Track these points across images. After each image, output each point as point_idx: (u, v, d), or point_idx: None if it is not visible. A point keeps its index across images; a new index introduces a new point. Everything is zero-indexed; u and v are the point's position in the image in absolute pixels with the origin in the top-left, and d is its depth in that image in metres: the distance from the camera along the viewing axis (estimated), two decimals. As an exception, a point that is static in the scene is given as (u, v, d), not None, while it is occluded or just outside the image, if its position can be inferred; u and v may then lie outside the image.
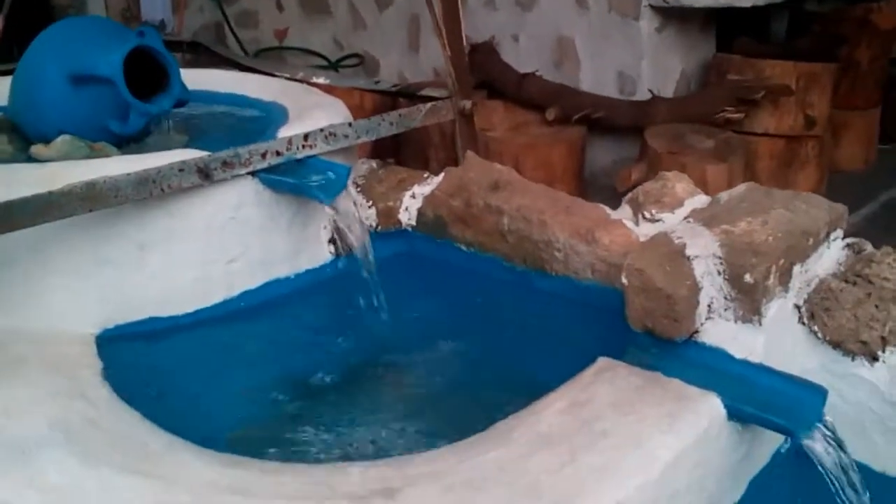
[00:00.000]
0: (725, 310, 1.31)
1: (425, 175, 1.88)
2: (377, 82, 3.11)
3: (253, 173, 1.55)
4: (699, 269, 1.30)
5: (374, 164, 1.97)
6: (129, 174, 1.37)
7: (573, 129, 3.35)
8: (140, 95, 1.62)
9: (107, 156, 1.57)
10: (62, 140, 1.59)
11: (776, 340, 1.32)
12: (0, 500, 1.02)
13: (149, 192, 1.39)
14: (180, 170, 1.43)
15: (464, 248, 1.74)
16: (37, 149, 1.60)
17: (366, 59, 4.27)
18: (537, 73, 3.48)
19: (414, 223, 1.82)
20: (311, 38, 4.44)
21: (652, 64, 3.36)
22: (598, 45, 3.45)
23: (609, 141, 3.45)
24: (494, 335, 1.58)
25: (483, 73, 3.51)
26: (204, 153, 1.49)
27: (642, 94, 3.33)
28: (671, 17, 3.34)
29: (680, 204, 1.53)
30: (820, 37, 3.56)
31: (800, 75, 3.14)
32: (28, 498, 1.01)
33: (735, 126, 3.14)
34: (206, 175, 1.46)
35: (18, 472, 1.05)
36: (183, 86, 1.71)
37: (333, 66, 4.26)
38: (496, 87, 3.54)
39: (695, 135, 3.04)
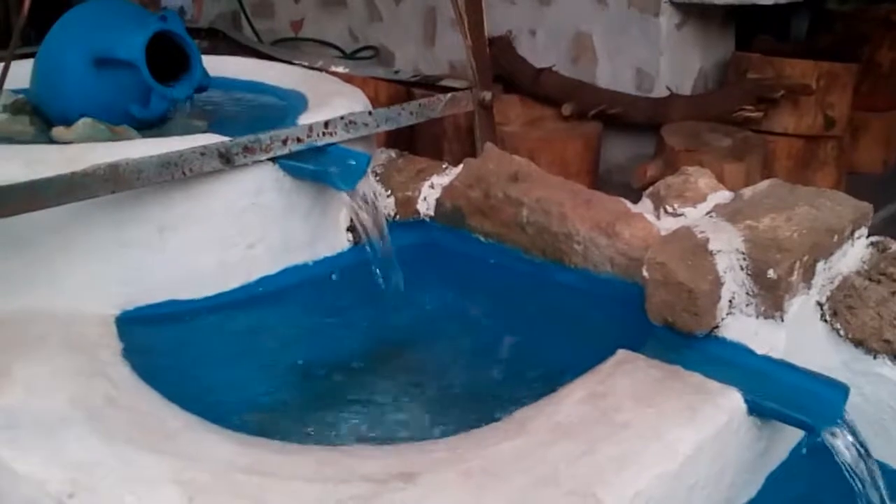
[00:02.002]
0: (747, 305, 1.30)
1: (444, 165, 1.88)
2: (397, 72, 3.11)
3: (273, 160, 1.55)
4: (722, 263, 1.29)
5: (392, 153, 1.97)
6: (151, 157, 1.37)
7: (589, 125, 3.34)
8: (161, 80, 1.62)
9: (128, 139, 1.57)
10: (83, 123, 1.59)
11: (798, 337, 1.32)
12: (23, 473, 1.03)
13: (171, 174, 1.39)
14: (202, 154, 1.43)
15: (482, 238, 1.74)
16: (58, 131, 1.61)
17: (381, 52, 4.27)
18: (554, 69, 3.47)
19: (432, 213, 1.81)
20: (327, 30, 4.44)
21: (670, 61, 3.35)
22: (617, 41, 3.44)
23: (625, 138, 3.44)
24: (512, 326, 1.58)
25: (499, 67, 3.51)
26: (225, 138, 1.49)
27: (660, 91, 3.31)
28: (691, 13, 3.33)
29: (702, 199, 1.53)
30: (841, 36, 3.53)
31: (820, 75, 3.13)
32: (51, 473, 1.02)
33: (753, 125, 3.13)
34: (227, 160, 1.46)
35: (41, 448, 1.06)
36: (204, 71, 1.71)
37: (348, 57, 4.26)
38: (512, 82, 3.54)
39: (712, 133, 3.03)
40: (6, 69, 1.13)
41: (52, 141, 1.58)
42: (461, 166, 1.83)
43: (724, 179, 2.69)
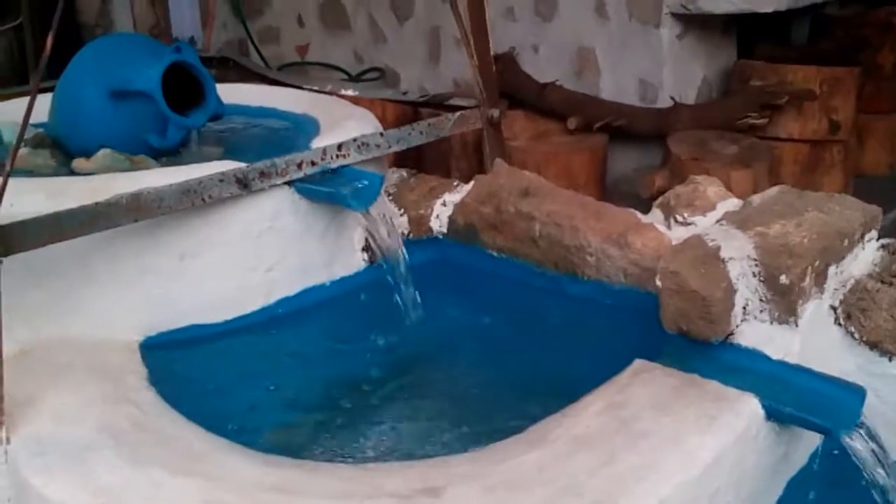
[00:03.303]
0: (761, 311, 1.32)
1: (455, 183, 1.90)
2: (405, 93, 3.15)
3: (289, 183, 1.58)
4: (734, 270, 1.31)
5: (404, 172, 2.00)
6: (171, 185, 1.40)
7: (595, 138, 3.37)
8: (177, 109, 1.66)
9: (147, 168, 1.61)
10: (103, 154, 1.63)
11: (812, 341, 1.33)
12: (54, 500, 1.05)
13: (190, 201, 1.42)
14: (220, 180, 1.46)
15: (495, 254, 1.76)
16: (78, 163, 1.64)
17: (386, 73, 4.31)
18: (558, 83, 3.50)
19: (445, 230, 1.84)
20: (332, 53, 4.49)
21: (673, 71, 3.37)
22: (619, 54, 3.47)
23: (631, 149, 3.46)
24: (528, 339, 1.59)
25: (504, 83, 3.52)
26: (242, 164, 1.52)
27: (664, 102, 3.33)
28: (692, 23, 3.35)
29: (712, 207, 1.54)
30: (842, 41, 3.55)
31: (823, 80, 3.14)
32: (81, 498, 1.04)
33: (759, 132, 3.14)
34: (244, 185, 1.49)
35: (71, 473, 1.08)
36: (218, 99, 1.75)
37: (354, 79, 4.30)
38: (517, 98, 3.57)
39: (718, 141, 3.04)
40: (31, 105, 1.17)
41: (73, 173, 1.62)
42: (472, 183, 1.86)
43: (731, 187, 2.69)
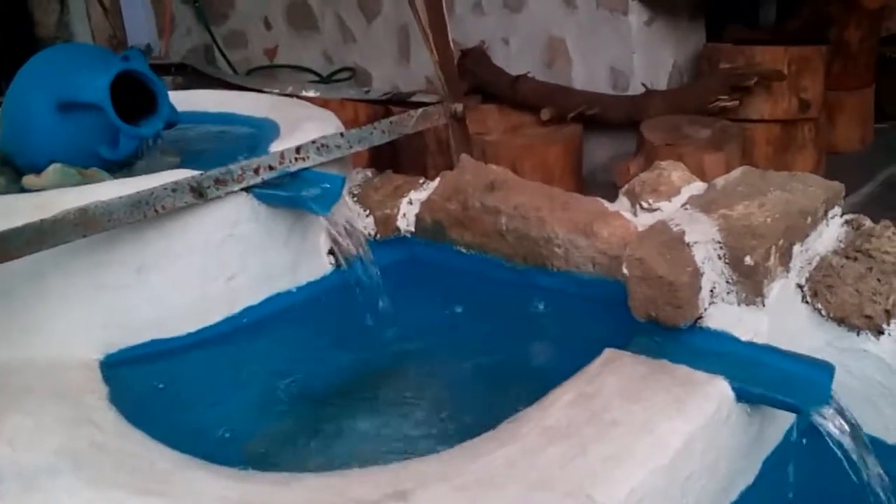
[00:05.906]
0: (728, 293, 1.30)
1: (421, 181, 1.88)
2: (367, 91, 3.12)
3: (247, 189, 1.55)
4: (699, 254, 1.29)
5: (369, 172, 1.97)
6: (121, 197, 1.37)
7: (569, 128, 3.35)
8: (129, 119, 1.62)
9: (99, 181, 1.57)
10: (53, 169, 1.59)
11: (780, 321, 1.32)
12: (11, 528, 1.02)
13: (143, 214, 1.39)
14: (173, 190, 1.43)
15: (464, 250, 1.74)
16: (28, 179, 1.60)
17: (357, 72, 4.29)
18: (529, 75, 3.49)
19: (413, 229, 1.81)
20: (301, 55, 4.46)
21: (643, 58, 3.37)
22: (589, 43, 3.46)
23: (605, 137, 3.45)
24: (499, 334, 1.57)
25: (475, 77, 3.52)
26: (196, 172, 1.49)
27: (636, 89, 3.32)
28: (659, 9, 3.35)
29: (676, 192, 1.53)
30: (809, 20, 3.56)
31: (791, 59, 3.14)
32: (39, 524, 1.01)
33: (730, 114, 3.14)
34: (199, 193, 1.46)
35: (30, 499, 1.05)
36: (172, 107, 1.71)
37: (325, 80, 4.27)
38: (489, 91, 3.55)
39: (691, 125, 3.03)
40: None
41: (23, 190, 1.58)
42: (438, 180, 1.84)
43: (704, 170, 2.70)
